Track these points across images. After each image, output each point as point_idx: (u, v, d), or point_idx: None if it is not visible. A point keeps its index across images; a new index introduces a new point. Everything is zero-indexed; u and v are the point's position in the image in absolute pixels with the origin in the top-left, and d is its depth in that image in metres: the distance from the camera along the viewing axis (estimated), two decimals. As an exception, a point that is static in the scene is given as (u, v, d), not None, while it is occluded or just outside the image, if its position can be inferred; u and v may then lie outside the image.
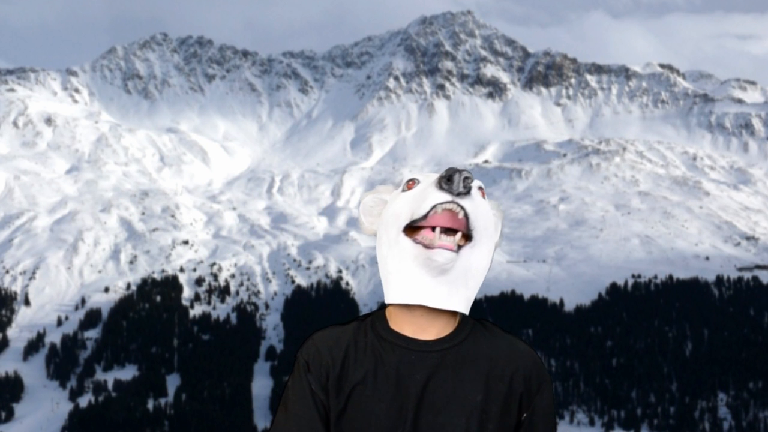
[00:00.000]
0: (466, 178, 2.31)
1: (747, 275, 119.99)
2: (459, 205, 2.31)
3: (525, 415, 2.49)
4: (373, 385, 2.42)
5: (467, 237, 2.35)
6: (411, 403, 2.39)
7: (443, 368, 2.41)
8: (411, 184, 2.48)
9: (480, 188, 2.42)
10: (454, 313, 2.45)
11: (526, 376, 2.46)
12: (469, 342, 2.46)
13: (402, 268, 2.40)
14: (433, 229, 2.32)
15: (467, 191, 2.32)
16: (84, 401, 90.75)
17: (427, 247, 2.33)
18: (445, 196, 2.32)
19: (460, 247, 2.34)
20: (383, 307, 2.57)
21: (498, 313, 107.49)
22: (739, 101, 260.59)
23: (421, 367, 2.40)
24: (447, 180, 2.32)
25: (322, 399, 2.46)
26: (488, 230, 2.40)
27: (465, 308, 2.42)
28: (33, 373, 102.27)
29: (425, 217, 2.34)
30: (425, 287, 2.36)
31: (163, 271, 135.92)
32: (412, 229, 2.38)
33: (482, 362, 2.45)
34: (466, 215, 2.32)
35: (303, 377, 2.48)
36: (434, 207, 2.32)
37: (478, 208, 2.37)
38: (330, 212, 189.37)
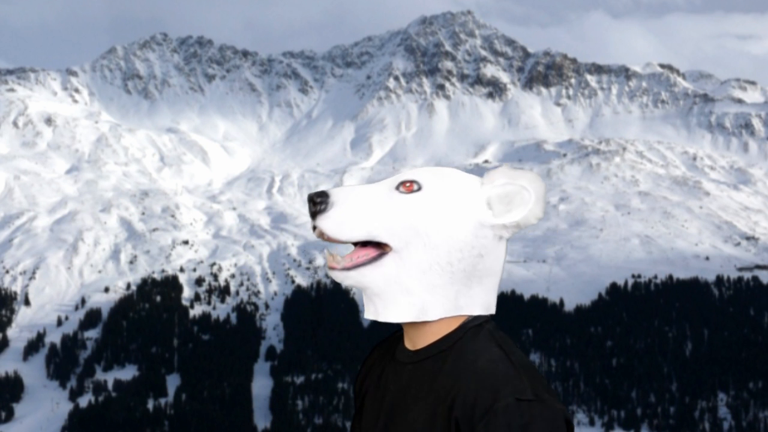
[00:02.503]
0: (311, 198, 2.19)
1: (747, 275, 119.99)
2: (314, 225, 2.21)
3: None
4: (373, 393, 2.38)
5: (388, 244, 2.19)
6: (383, 416, 2.29)
7: (413, 382, 2.24)
8: (406, 186, 2.34)
9: (407, 183, 2.22)
10: (446, 322, 2.23)
11: (469, 401, 2.05)
12: (443, 355, 2.22)
13: None
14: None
15: (318, 209, 2.19)
16: (84, 401, 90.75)
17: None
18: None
19: (381, 255, 2.19)
20: None
21: (498, 313, 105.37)
22: (739, 101, 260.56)
23: (397, 379, 2.29)
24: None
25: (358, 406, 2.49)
26: (419, 229, 2.16)
27: (414, 316, 2.20)
28: (33, 373, 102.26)
29: None
30: (366, 302, 2.27)
31: (163, 271, 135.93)
32: None
33: (440, 379, 2.18)
34: (324, 232, 2.19)
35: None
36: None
37: (382, 213, 2.18)
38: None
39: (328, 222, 2.17)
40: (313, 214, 2.19)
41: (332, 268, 2.21)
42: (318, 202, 2.18)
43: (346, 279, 2.19)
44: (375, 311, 2.24)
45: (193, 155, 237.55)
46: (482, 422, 1.99)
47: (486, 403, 2.00)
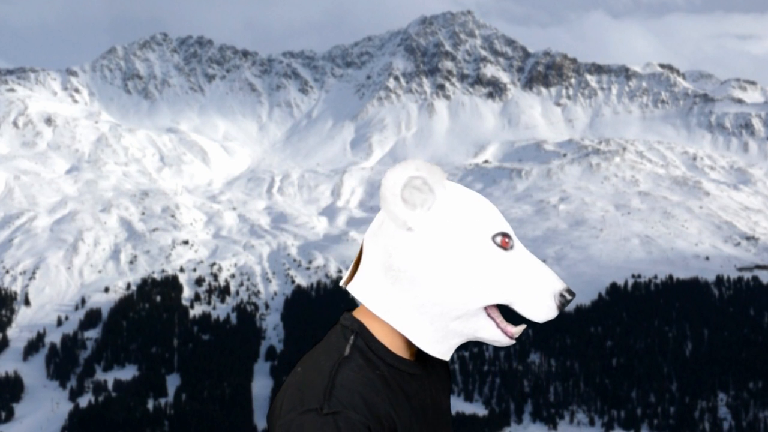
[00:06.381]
0: (570, 293, 2.13)
1: (747, 275, 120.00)
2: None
3: None
4: (408, 423, 2.14)
5: None
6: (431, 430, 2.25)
7: (432, 385, 2.29)
8: (506, 242, 2.06)
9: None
10: None
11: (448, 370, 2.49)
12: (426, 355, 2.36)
13: (453, 328, 2.10)
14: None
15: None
16: (84, 401, 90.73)
17: (503, 330, 2.11)
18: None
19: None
20: (350, 310, 2.32)
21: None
22: (739, 101, 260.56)
23: (425, 390, 2.24)
24: (562, 298, 2.09)
25: None
26: None
27: None
28: (33, 373, 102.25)
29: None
30: (454, 346, 2.18)
31: (163, 271, 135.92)
32: None
33: (438, 367, 2.35)
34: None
35: None
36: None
37: None
38: (330, 212, 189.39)
39: None
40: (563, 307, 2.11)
41: (513, 337, 2.14)
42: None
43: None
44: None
45: (193, 155, 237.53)
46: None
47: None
